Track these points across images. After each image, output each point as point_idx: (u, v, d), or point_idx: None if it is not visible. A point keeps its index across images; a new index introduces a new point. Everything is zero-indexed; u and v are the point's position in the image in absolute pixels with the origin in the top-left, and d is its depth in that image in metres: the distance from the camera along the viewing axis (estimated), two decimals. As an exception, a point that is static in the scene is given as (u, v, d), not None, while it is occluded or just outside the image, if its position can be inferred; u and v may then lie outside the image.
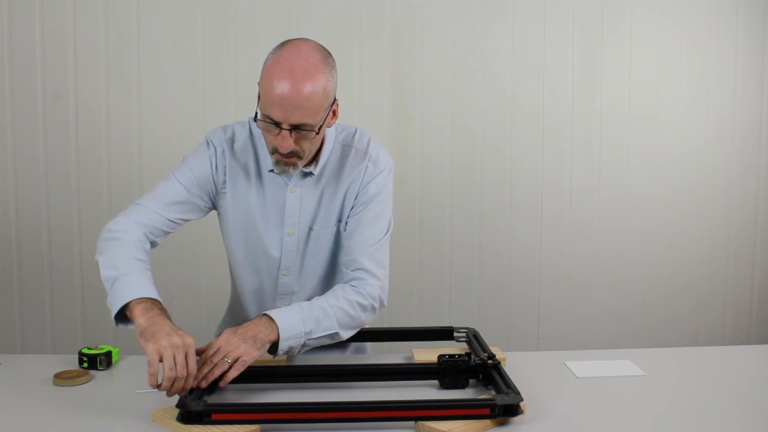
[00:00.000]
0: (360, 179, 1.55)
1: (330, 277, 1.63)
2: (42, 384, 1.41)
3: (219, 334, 1.39)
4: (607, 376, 1.47)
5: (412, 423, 1.20)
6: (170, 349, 1.24)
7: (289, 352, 1.40)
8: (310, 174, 1.55)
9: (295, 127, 1.40)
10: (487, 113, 2.82)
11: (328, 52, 1.45)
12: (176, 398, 1.23)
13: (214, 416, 1.18)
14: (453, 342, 1.66)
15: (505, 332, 2.85)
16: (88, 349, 1.51)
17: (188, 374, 1.24)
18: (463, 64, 2.79)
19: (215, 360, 1.30)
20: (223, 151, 1.60)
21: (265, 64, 1.44)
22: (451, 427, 1.16)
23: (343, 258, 1.57)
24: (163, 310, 1.36)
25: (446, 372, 1.38)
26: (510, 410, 1.22)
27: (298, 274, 1.61)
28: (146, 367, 1.25)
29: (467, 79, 2.79)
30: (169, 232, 1.60)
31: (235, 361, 1.30)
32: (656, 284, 2.97)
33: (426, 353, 1.54)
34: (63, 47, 2.67)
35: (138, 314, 1.35)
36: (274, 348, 1.38)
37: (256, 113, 1.48)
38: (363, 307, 1.49)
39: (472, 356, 1.44)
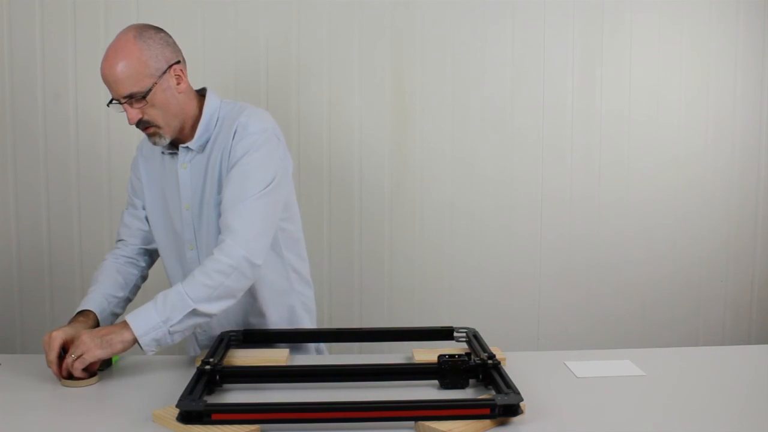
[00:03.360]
0: (229, 143, 1.61)
1: None
2: (43, 384, 1.41)
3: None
4: (607, 376, 1.47)
5: (412, 423, 1.20)
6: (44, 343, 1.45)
7: (161, 344, 1.46)
8: (189, 149, 1.66)
9: (128, 98, 1.55)
10: (487, 113, 2.82)
11: (147, 28, 1.61)
12: (176, 398, 1.23)
13: (214, 416, 1.18)
14: (453, 342, 1.67)
15: (505, 332, 2.85)
16: (88, 349, 1.51)
17: (48, 362, 1.43)
18: (463, 64, 2.79)
19: (69, 355, 1.42)
20: (141, 150, 1.81)
21: None
22: (451, 427, 1.16)
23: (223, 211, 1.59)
24: (81, 320, 1.57)
25: (446, 372, 1.38)
26: (510, 410, 1.22)
27: (202, 248, 1.68)
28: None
29: (467, 79, 2.79)
30: (148, 246, 1.82)
31: (78, 357, 1.40)
32: (656, 284, 2.97)
33: (426, 353, 1.54)
34: (63, 47, 2.67)
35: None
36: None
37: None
38: (222, 273, 1.48)
39: (472, 356, 1.44)
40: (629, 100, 2.89)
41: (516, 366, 1.49)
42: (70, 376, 1.42)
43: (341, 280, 2.79)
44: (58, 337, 1.43)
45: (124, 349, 1.44)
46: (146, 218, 1.79)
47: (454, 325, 1.70)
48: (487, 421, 1.20)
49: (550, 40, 2.83)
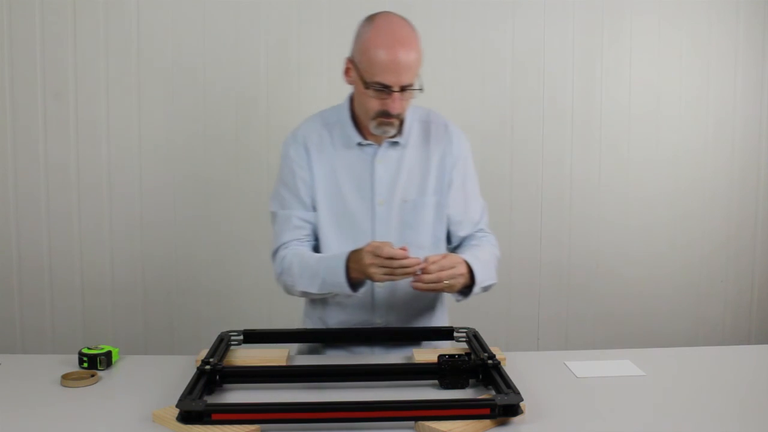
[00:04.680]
0: (449, 150, 1.72)
1: (433, 250, 1.70)
2: (43, 384, 1.41)
3: (306, 321, 1.77)
4: (607, 376, 1.47)
5: (412, 423, 1.20)
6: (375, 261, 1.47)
7: (471, 292, 1.61)
8: (397, 144, 1.68)
9: (403, 89, 1.54)
10: (487, 113, 2.82)
11: None
12: (176, 398, 1.23)
13: (214, 416, 1.18)
14: (453, 342, 1.66)
15: (505, 332, 2.85)
16: (88, 349, 1.51)
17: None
18: (463, 64, 2.79)
19: (432, 269, 1.47)
20: (304, 144, 1.71)
21: (362, 38, 1.57)
22: (451, 427, 1.16)
23: (455, 221, 1.73)
24: (354, 254, 1.53)
25: (446, 372, 1.38)
26: (510, 410, 1.22)
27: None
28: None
29: (467, 79, 2.79)
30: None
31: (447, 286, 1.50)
32: (656, 284, 2.97)
33: (426, 353, 1.54)
34: (63, 47, 2.67)
35: (357, 275, 1.54)
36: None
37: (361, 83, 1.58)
38: (496, 255, 1.74)
39: (472, 356, 1.44)
40: (629, 99, 2.89)
41: (516, 366, 1.49)
42: (69, 376, 1.42)
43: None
44: (378, 246, 1.46)
45: (460, 285, 1.55)
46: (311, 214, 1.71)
47: (454, 325, 1.70)
48: (487, 421, 1.20)
49: (550, 40, 2.83)
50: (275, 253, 1.70)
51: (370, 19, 1.59)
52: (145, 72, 2.71)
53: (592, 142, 2.88)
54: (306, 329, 1.80)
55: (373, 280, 1.50)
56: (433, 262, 1.48)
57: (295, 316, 2.81)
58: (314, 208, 1.70)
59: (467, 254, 1.59)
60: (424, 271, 1.47)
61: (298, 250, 1.65)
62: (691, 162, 2.94)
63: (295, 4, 2.72)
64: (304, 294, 1.66)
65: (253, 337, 1.66)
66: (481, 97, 2.81)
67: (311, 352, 1.78)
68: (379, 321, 1.72)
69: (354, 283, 1.54)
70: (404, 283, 1.63)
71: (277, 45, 2.73)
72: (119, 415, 1.26)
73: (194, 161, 2.74)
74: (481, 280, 1.58)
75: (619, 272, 2.94)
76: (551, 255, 2.90)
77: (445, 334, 1.67)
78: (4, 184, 2.71)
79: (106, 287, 2.77)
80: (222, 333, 1.64)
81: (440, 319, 1.81)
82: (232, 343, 1.62)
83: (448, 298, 1.79)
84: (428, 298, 1.75)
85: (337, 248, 1.67)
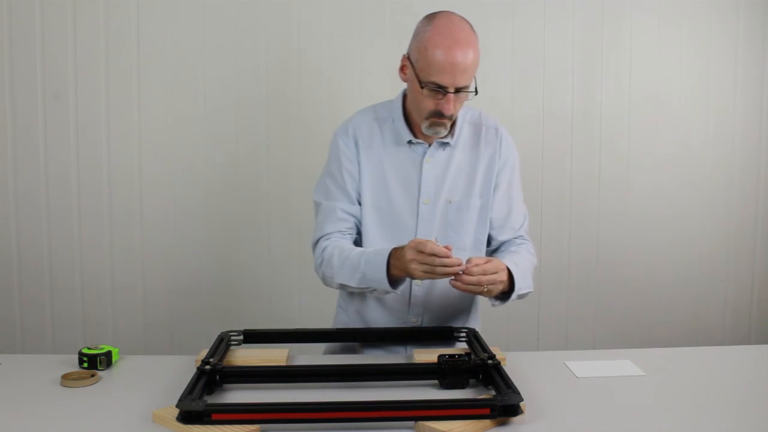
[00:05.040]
0: (498, 154, 1.73)
1: (473, 252, 1.72)
2: (44, 384, 1.41)
3: (340, 314, 1.81)
4: (607, 376, 1.47)
5: (412, 423, 1.20)
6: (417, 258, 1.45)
7: (502, 301, 1.61)
8: (447, 144, 1.69)
9: (458, 90, 1.55)
10: (487, 113, 2.81)
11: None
12: (176, 398, 1.23)
13: (214, 416, 1.18)
14: (453, 342, 1.66)
15: (505, 332, 2.85)
16: (88, 349, 1.51)
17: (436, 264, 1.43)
18: (463, 64, 2.79)
19: (474, 271, 1.45)
20: (354, 137, 1.70)
21: (421, 36, 1.57)
22: (451, 427, 1.16)
23: (504, 227, 1.74)
24: (397, 251, 1.52)
25: (446, 372, 1.38)
26: (510, 410, 1.22)
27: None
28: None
29: (467, 79, 2.79)
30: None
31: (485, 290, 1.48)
32: (656, 284, 2.97)
33: (426, 353, 1.54)
34: (63, 47, 2.67)
35: (397, 272, 1.52)
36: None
37: (416, 82, 1.58)
38: (533, 263, 1.73)
39: (472, 356, 1.44)
40: (629, 99, 2.89)
41: (516, 366, 1.49)
42: (69, 377, 1.42)
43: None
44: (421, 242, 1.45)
45: (498, 291, 1.54)
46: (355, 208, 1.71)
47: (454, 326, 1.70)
48: (487, 421, 1.20)
49: (550, 40, 2.83)
50: (316, 243, 1.69)
51: (430, 18, 1.59)
52: (145, 72, 2.71)
53: (592, 142, 2.88)
54: (306, 329, 1.80)
55: (413, 277, 1.48)
56: (476, 265, 1.47)
57: (295, 316, 2.82)
58: (359, 202, 1.69)
59: (508, 260, 1.58)
60: (465, 272, 1.46)
61: (339, 243, 1.64)
62: (691, 161, 2.94)
63: (295, 4, 2.72)
64: (342, 287, 1.65)
65: (253, 337, 1.66)
66: (480, 97, 2.80)
67: (344, 351, 1.79)
68: (414, 319, 1.73)
69: (393, 281, 1.53)
70: (442, 284, 1.64)
71: (277, 45, 2.72)
72: (119, 415, 1.26)
73: (194, 161, 2.74)
74: (519, 288, 1.58)
75: (619, 272, 2.94)
76: (551, 255, 2.90)
77: (446, 334, 1.67)
78: (4, 184, 2.71)
79: (106, 287, 2.77)
80: (222, 333, 1.64)
81: (473, 322, 1.82)
82: (232, 343, 1.62)
83: (483, 303, 1.79)
84: (465, 300, 1.75)
85: (378, 244, 1.67)
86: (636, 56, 2.87)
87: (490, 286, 1.48)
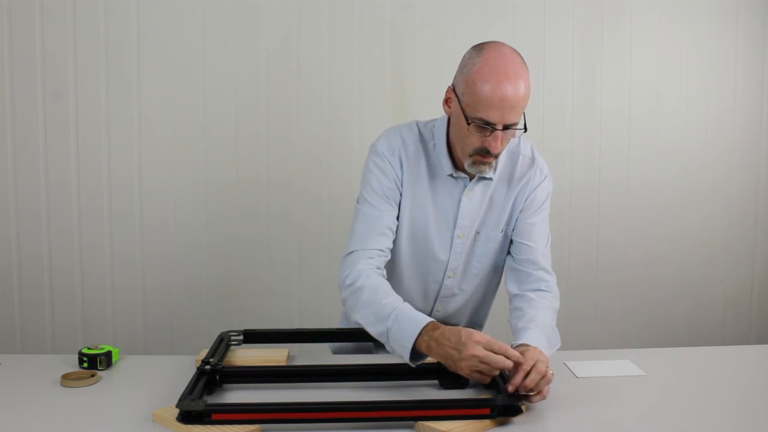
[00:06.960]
0: (529, 186, 1.65)
1: (489, 279, 1.71)
2: (44, 384, 1.41)
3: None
4: (607, 376, 1.47)
5: (412, 423, 1.20)
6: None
7: None
8: (489, 178, 1.60)
9: (506, 127, 1.44)
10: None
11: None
12: (176, 398, 1.23)
13: (214, 416, 1.18)
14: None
15: (506, 332, 2.85)
16: (88, 349, 1.51)
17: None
18: (463, 64, 2.79)
19: (541, 368, 1.29)
20: (400, 158, 1.59)
21: (469, 69, 1.46)
22: (451, 427, 1.16)
23: (520, 257, 1.66)
24: (435, 328, 1.36)
25: (446, 372, 1.38)
26: (510, 410, 1.22)
27: (462, 276, 1.66)
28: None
29: (467, 79, 2.79)
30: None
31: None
32: (656, 284, 2.96)
33: (426, 353, 1.54)
34: (63, 47, 2.67)
35: (425, 349, 1.36)
36: None
37: (460, 116, 1.50)
38: (556, 310, 1.64)
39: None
40: (629, 99, 2.88)
41: (516, 366, 1.49)
42: (66, 376, 1.42)
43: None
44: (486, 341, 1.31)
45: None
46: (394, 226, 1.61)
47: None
48: (487, 421, 1.20)
49: (550, 40, 2.83)
50: (350, 254, 1.54)
51: (478, 48, 1.47)
52: (145, 72, 2.71)
53: (592, 142, 2.88)
54: (306, 329, 1.80)
55: (456, 371, 1.32)
56: (532, 381, 1.28)
57: (295, 316, 2.82)
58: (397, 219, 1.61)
59: (535, 333, 1.47)
60: (523, 386, 1.27)
61: (375, 281, 1.48)
62: (690, 161, 2.94)
63: (295, 4, 2.72)
64: (358, 323, 1.50)
65: (253, 337, 1.66)
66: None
67: (357, 351, 1.79)
68: (439, 308, 1.72)
69: (415, 354, 1.38)
70: (468, 278, 1.66)
71: (277, 45, 2.72)
72: (119, 415, 1.26)
73: (194, 161, 2.74)
74: (550, 354, 1.46)
75: (619, 272, 2.94)
76: (551, 255, 2.89)
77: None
78: (4, 184, 2.71)
79: (106, 287, 2.77)
80: (222, 333, 1.64)
81: (483, 318, 1.84)
82: (232, 343, 1.62)
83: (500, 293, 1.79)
84: (489, 289, 1.75)
85: (407, 271, 1.63)
86: (636, 56, 2.87)
87: (549, 370, 1.32)
